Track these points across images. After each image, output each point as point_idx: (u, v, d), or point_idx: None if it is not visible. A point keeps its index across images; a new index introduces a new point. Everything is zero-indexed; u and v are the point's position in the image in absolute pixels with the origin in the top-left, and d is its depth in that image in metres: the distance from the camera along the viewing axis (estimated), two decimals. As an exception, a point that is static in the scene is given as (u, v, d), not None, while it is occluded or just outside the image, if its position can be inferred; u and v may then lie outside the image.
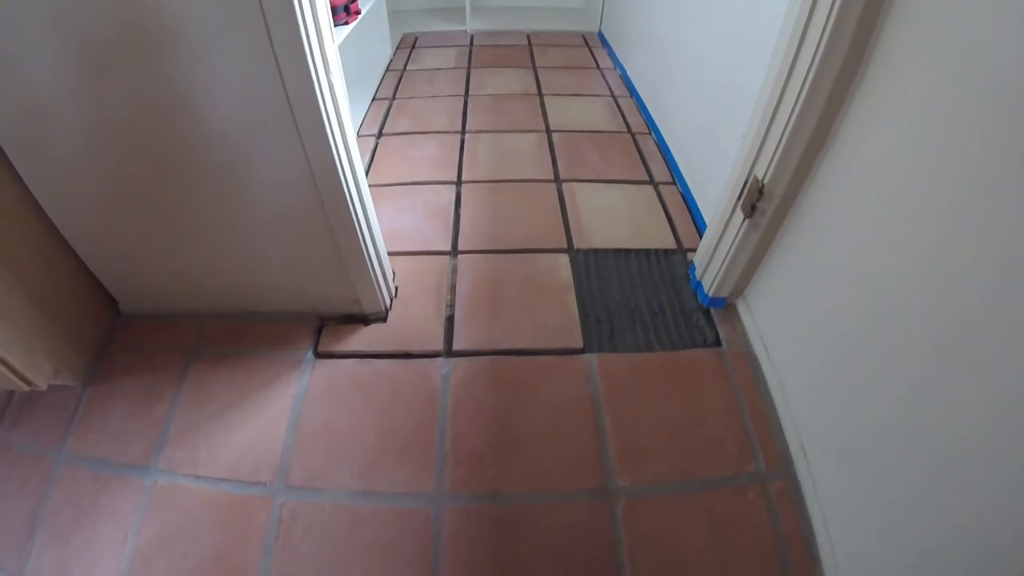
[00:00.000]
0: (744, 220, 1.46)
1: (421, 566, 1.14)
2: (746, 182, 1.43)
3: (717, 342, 1.60)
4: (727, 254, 1.56)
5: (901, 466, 1.01)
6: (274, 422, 1.36)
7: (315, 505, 1.22)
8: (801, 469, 1.34)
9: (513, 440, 1.35)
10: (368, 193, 1.40)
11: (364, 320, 1.60)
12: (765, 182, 1.37)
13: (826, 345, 1.28)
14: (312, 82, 1.05)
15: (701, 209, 1.95)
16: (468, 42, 3.35)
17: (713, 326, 1.63)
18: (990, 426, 0.81)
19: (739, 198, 1.46)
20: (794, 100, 1.22)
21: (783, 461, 1.37)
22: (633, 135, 2.44)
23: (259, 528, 1.18)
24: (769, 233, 1.48)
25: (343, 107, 1.20)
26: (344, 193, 1.27)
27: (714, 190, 1.67)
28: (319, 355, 1.51)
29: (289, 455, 1.30)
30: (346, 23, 2.18)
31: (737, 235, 1.50)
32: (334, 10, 2.07)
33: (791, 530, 1.26)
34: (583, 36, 3.36)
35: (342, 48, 2.16)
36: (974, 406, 0.84)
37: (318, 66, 1.07)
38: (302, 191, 1.26)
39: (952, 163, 0.89)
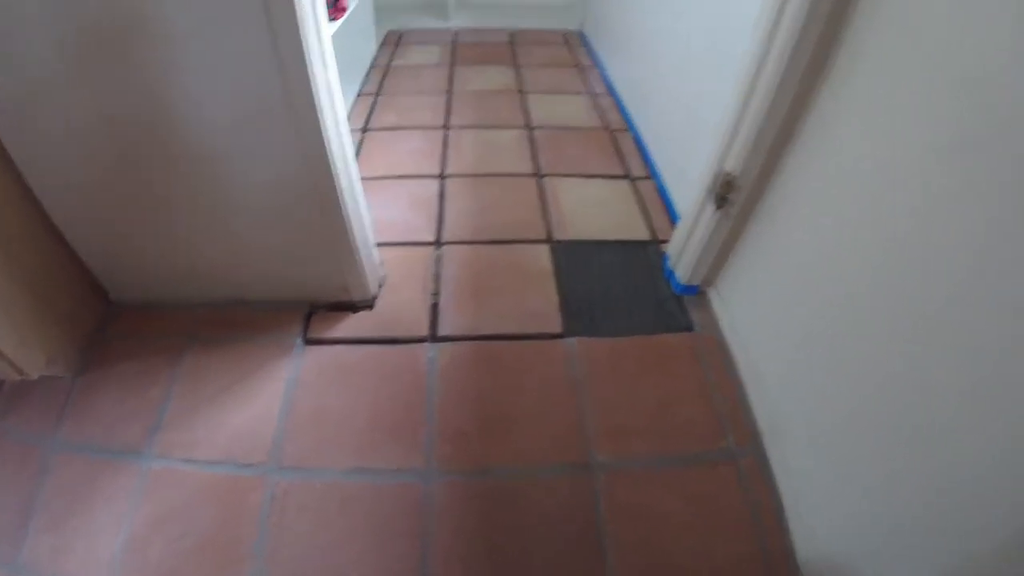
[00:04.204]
0: (715, 212, 1.54)
1: (412, 538, 1.21)
2: (717, 175, 1.50)
3: (690, 327, 1.68)
4: (699, 244, 1.63)
5: (874, 449, 1.08)
6: (267, 405, 1.41)
7: (308, 484, 1.27)
8: (770, 446, 1.42)
9: (498, 419, 1.42)
10: (360, 184, 1.46)
11: (352, 307, 1.66)
12: (735, 175, 1.45)
13: (794, 330, 1.36)
14: (309, 75, 1.10)
15: (675, 202, 2.03)
16: (452, 39, 3.40)
17: (686, 312, 1.71)
18: (961, 410, 0.88)
19: (710, 191, 1.53)
20: (763, 97, 1.30)
21: (753, 438, 1.45)
22: (612, 132, 2.52)
23: (253, 507, 1.23)
24: (739, 224, 1.56)
25: (337, 99, 1.25)
26: (337, 184, 1.32)
27: (687, 184, 1.75)
28: (308, 341, 1.56)
29: (282, 437, 1.35)
30: (333, 19, 2.22)
31: (708, 226, 1.58)
32: (327, 6, 2.11)
33: (762, 502, 1.34)
34: (564, 35, 3.43)
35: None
36: (945, 390, 0.91)
37: (315, 59, 1.11)
38: (296, 182, 1.31)
39: (916, 155, 0.96)
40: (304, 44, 1.06)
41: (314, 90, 1.13)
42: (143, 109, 1.17)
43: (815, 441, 1.28)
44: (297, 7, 1.01)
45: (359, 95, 2.79)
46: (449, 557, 1.19)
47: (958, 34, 0.87)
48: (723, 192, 1.49)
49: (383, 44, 3.36)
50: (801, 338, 1.34)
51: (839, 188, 1.18)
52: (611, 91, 2.81)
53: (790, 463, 1.36)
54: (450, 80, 2.87)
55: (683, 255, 1.72)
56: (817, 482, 1.26)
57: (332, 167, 1.28)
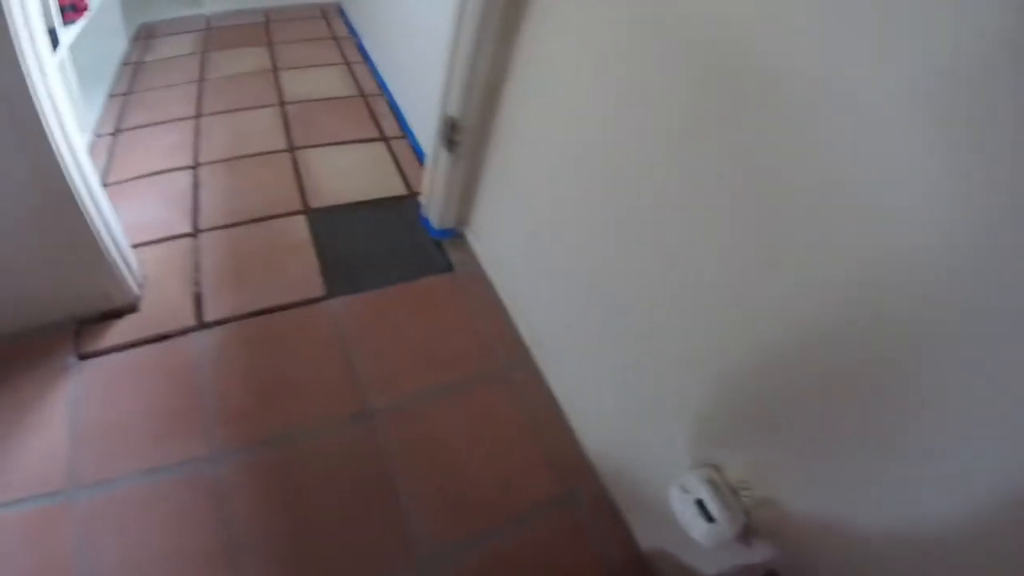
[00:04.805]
0: (448, 155, 1.67)
1: (215, 523, 1.25)
2: (443, 120, 1.62)
3: (450, 267, 1.81)
4: (443, 189, 1.77)
5: (607, 339, 1.26)
6: (55, 431, 1.37)
7: (109, 497, 1.27)
8: (538, 357, 1.59)
9: (274, 390, 1.48)
10: (102, 193, 1.42)
11: (118, 313, 1.62)
12: (457, 117, 1.57)
13: (533, 247, 1.52)
14: (29, 92, 1.07)
15: (426, 155, 2.13)
16: (205, 25, 3.27)
17: (445, 254, 1.85)
18: (673, 307, 1.04)
19: (440, 136, 1.66)
20: (468, 44, 1.42)
21: (521, 354, 1.62)
22: (366, 98, 2.58)
23: (66, 536, 1.21)
24: (474, 163, 1.70)
25: (64, 110, 1.21)
26: (76, 195, 1.29)
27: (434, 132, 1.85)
28: (82, 357, 1.52)
29: (76, 458, 1.32)
30: (72, 22, 2.09)
31: (446, 170, 1.71)
32: (61, 9, 1.97)
33: (540, 408, 1.51)
34: (322, 9, 3.40)
35: (73, 47, 2.07)
36: (650, 286, 1.08)
37: (33, 73, 1.08)
38: (31, 201, 1.26)
39: (608, 75, 1.10)
40: (17, 53, 1.03)
41: (36, 104, 1.10)
42: None
43: (566, 343, 1.46)
44: (7, 18, 0.98)
45: (110, 96, 2.63)
46: (253, 532, 1.24)
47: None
48: (451, 135, 1.62)
49: (135, 39, 3.16)
50: (536, 251, 1.50)
51: (546, 110, 1.33)
52: (367, 59, 2.86)
53: (558, 368, 1.52)
54: (201, 68, 2.78)
55: (432, 202, 1.84)
56: (580, 380, 1.43)
57: (68, 179, 1.25)
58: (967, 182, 0.55)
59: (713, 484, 0.92)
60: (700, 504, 0.90)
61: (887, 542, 0.72)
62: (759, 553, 0.93)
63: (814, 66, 0.68)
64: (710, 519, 0.88)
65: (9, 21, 1.00)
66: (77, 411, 1.41)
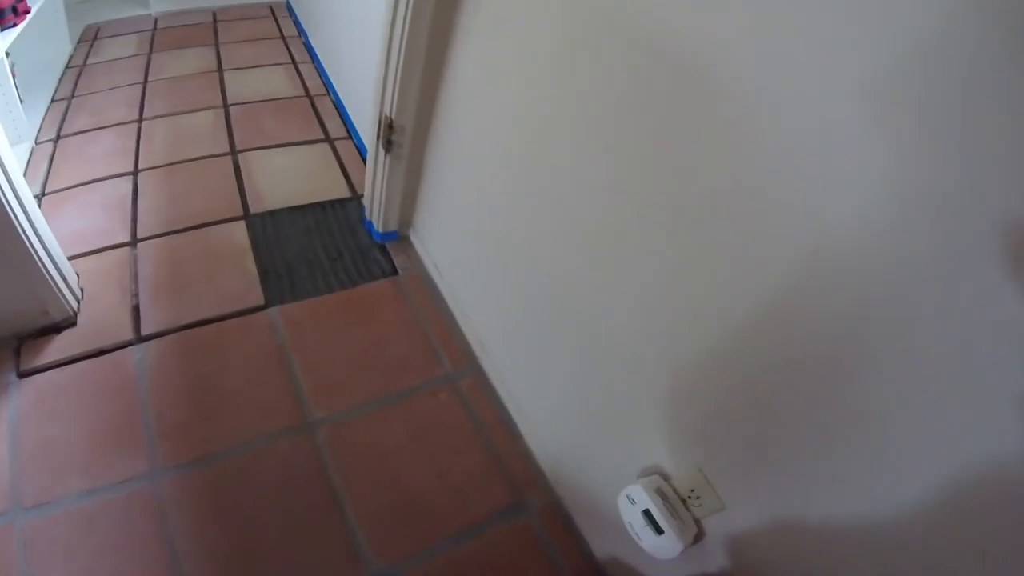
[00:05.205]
0: (386, 156, 1.64)
1: (158, 541, 1.23)
2: (379, 121, 1.60)
3: (394, 272, 1.79)
4: (383, 191, 1.74)
5: (554, 343, 1.25)
6: None
7: (52, 518, 1.24)
8: (485, 362, 1.57)
9: (212, 404, 1.46)
10: (33, 206, 1.40)
11: (57, 329, 1.59)
12: (393, 118, 1.55)
13: (477, 250, 1.50)
14: None
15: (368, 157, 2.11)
16: (152, 26, 3.20)
17: (389, 258, 1.83)
18: (604, 296, 1.04)
19: (378, 137, 1.63)
20: (399, 41, 1.39)
21: (468, 360, 1.60)
22: (311, 98, 2.55)
23: (10, 558, 1.18)
24: (415, 164, 1.68)
25: None
26: (8, 215, 1.26)
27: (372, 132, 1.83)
28: (22, 374, 1.48)
29: (17, 478, 1.30)
30: (15, 25, 2.03)
31: (386, 172, 1.68)
32: (0, 12, 1.92)
33: (488, 416, 1.49)
34: (271, 7, 3.34)
35: (13, 51, 2.02)
36: (592, 284, 1.08)
37: None
38: None
39: (542, 71, 1.09)
40: None
41: None
42: None
43: (513, 348, 1.44)
44: None
45: (52, 101, 2.57)
46: (194, 549, 1.23)
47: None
48: (387, 136, 1.59)
49: (80, 42, 3.09)
50: (480, 253, 1.49)
51: (484, 108, 1.32)
52: (314, 58, 2.82)
53: (506, 373, 1.50)
54: (146, 70, 2.72)
55: (374, 204, 1.82)
56: (528, 386, 1.42)
57: None
58: (903, 181, 0.55)
59: (661, 494, 0.89)
60: (648, 514, 0.88)
61: (842, 541, 0.71)
62: (715, 561, 0.92)
63: (754, 64, 0.67)
64: (659, 530, 0.86)
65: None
66: (18, 430, 1.38)
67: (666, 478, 0.94)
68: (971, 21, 0.47)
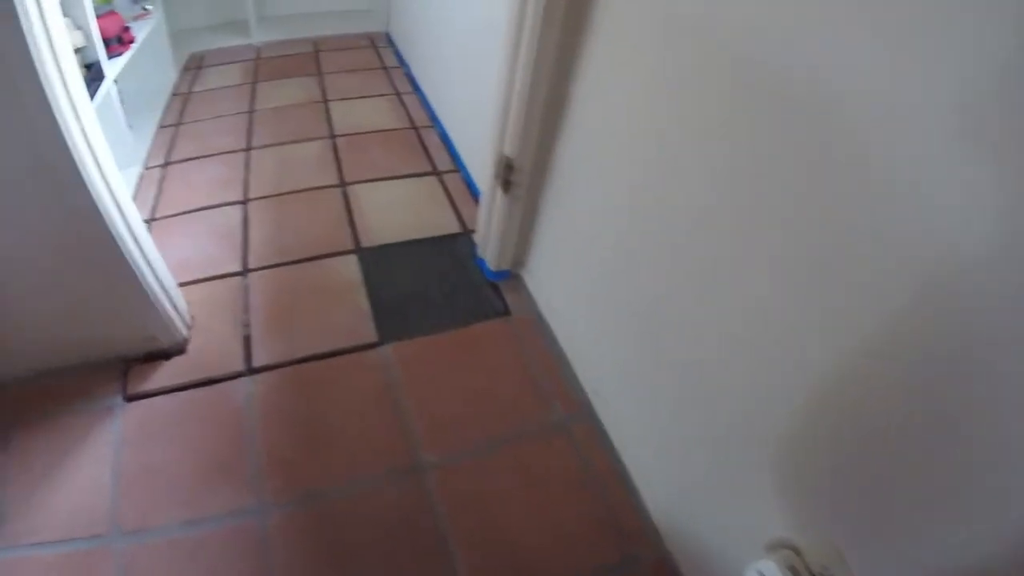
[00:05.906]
0: (504, 196, 1.59)
1: None
2: (498, 160, 1.55)
3: (506, 311, 1.72)
4: (499, 230, 1.68)
5: (672, 392, 1.18)
6: (98, 473, 1.34)
7: (152, 545, 1.23)
8: (599, 408, 1.49)
9: (321, 441, 1.41)
10: (144, 233, 1.39)
11: (166, 355, 1.58)
12: (513, 158, 1.50)
13: (593, 292, 1.44)
14: (63, 136, 1.04)
15: (481, 192, 2.06)
16: (255, 55, 3.28)
17: (501, 297, 1.76)
18: (724, 344, 0.98)
19: (496, 176, 1.58)
20: (522, 83, 1.35)
21: (581, 405, 1.52)
22: (417, 130, 2.53)
23: None
24: (531, 203, 1.62)
25: (100, 149, 1.18)
26: (115, 235, 1.25)
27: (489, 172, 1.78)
28: (128, 398, 1.48)
29: (118, 502, 1.29)
30: (121, 54, 2.09)
31: (503, 211, 1.63)
32: (106, 42, 1.97)
33: (600, 464, 1.40)
34: (371, 37, 3.38)
35: (120, 79, 2.07)
36: (711, 330, 1.02)
37: (67, 116, 1.05)
38: (67, 243, 1.24)
39: (665, 114, 1.06)
40: (49, 95, 1.00)
41: (70, 147, 1.07)
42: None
43: (629, 395, 1.36)
44: (35, 60, 0.95)
45: (160, 128, 2.63)
46: None
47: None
48: (506, 176, 1.54)
49: (184, 70, 3.18)
50: (596, 296, 1.42)
51: (604, 150, 1.27)
52: (416, 89, 2.81)
53: (620, 421, 1.42)
54: (251, 99, 2.77)
55: (488, 242, 1.76)
56: (644, 436, 1.33)
57: (106, 222, 1.22)
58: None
59: (794, 572, 0.82)
60: (779, 594, 0.81)
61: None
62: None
63: (864, 83, 0.66)
64: (791, 610, 0.79)
65: (39, 65, 0.96)
66: (121, 454, 1.37)
67: (798, 552, 0.86)
68: None
